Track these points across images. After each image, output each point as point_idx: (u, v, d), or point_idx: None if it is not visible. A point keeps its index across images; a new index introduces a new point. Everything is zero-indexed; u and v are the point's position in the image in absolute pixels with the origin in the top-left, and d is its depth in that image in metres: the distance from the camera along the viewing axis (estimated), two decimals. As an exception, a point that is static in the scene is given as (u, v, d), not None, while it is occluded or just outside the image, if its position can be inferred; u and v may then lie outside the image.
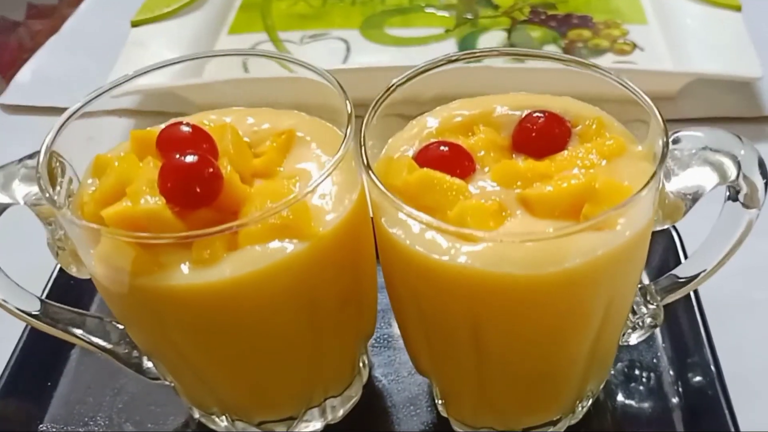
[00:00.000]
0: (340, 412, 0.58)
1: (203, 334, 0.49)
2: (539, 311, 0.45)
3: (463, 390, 0.53)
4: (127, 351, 0.57)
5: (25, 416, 0.61)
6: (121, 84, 0.54)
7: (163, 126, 0.55)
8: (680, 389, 0.59)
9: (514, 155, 0.50)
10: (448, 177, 0.46)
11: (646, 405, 0.58)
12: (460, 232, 0.42)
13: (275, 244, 0.46)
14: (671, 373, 0.60)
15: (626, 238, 0.44)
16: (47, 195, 0.46)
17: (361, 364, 0.60)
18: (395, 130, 0.53)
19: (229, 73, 0.94)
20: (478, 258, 0.43)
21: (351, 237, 0.49)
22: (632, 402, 0.59)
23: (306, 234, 0.46)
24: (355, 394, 0.59)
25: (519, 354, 0.48)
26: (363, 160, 0.46)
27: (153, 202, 0.46)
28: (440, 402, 0.57)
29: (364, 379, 0.60)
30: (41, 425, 0.60)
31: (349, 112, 0.48)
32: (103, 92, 0.53)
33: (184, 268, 0.45)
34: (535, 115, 0.51)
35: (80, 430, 0.60)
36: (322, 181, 0.46)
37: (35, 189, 0.48)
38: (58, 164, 0.51)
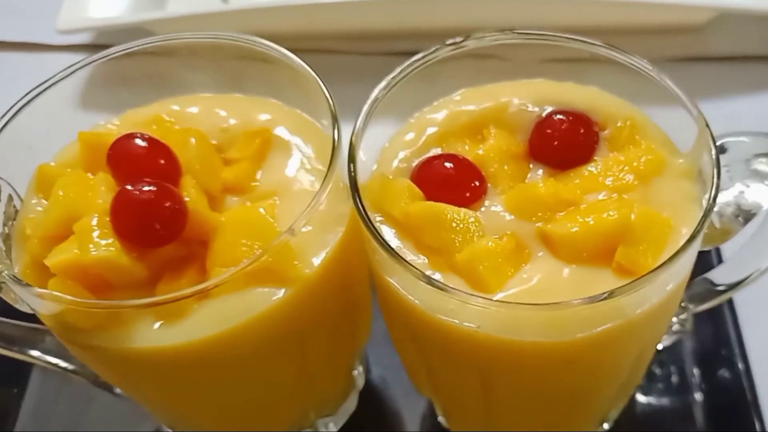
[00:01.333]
0: (336, 428, 0.53)
1: (175, 387, 0.43)
2: (562, 373, 0.39)
3: (469, 423, 0.48)
4: (94, 372, 0.51)
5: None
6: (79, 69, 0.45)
7: (118, 128, 0.47)
8: (706, 389, 0.54)
9: (531, 165, 0.43)
10: (456, 211, 0.38)
11: (669, 405, 0.53)
12: (470, 300, 0.35)
13: (254, 293, 0.39)
14: (696, 373, 0.54)
15: (667, 291, 0.37)
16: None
17: (356, 373, 0.54)
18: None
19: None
20: (492, 321, 0.36)
21: (342, 268, 0.42)
22: (653, 401, 0.54)
23: (290, 277, 0.39)
24: (350, 405, 0.54)
25: (535, 408, 0.42)
26: (358, 207, 0.38)
27: (105, 246, 0.38)
28: (442, 419, 0.52)
29: (360, 386, 0.55)
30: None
31: (336, 137, 0.40)
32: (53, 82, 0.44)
33: (149, 324, 0.38)
34: (556, 117, 0.42)
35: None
36: (306, 219, 0.38)
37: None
38: (-8, 187, 0.43)
